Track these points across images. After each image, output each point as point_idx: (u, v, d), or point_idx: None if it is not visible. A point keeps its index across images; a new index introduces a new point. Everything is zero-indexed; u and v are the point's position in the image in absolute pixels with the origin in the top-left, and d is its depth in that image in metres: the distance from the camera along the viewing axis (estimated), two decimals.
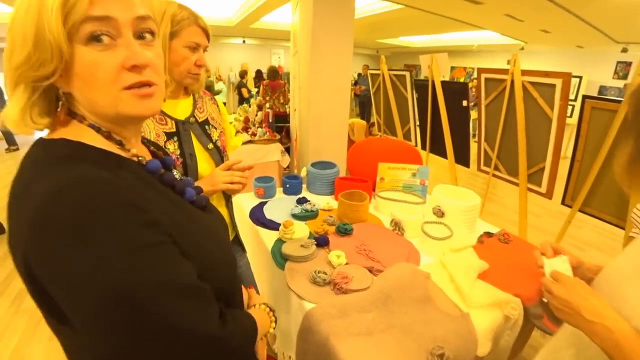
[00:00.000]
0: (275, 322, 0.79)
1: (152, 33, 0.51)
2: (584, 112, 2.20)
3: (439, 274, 1.22)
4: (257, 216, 1.67)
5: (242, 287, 0.80)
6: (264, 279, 1.57)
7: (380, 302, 1.04)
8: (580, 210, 2.33)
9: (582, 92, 7.25)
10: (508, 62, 2.34)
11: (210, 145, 1.16)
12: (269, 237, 1.48)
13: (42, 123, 0.49)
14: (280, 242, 1.40)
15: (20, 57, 0.44)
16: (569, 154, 2.40)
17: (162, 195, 0.55)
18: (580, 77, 7.37)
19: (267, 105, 4.04)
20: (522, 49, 8.00)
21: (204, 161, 1.14)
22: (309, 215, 1.64)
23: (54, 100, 0.50)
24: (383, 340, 0.93)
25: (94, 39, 0.45)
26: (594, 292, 0.65)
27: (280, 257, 1.29)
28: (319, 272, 1.15)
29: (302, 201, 1.78)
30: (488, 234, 1.55)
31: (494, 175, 2.82)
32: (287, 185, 1.96)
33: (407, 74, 3.26)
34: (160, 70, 0.53)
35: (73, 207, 0.40)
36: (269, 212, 1.70)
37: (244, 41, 10.23)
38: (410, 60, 11.47)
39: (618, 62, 7.16)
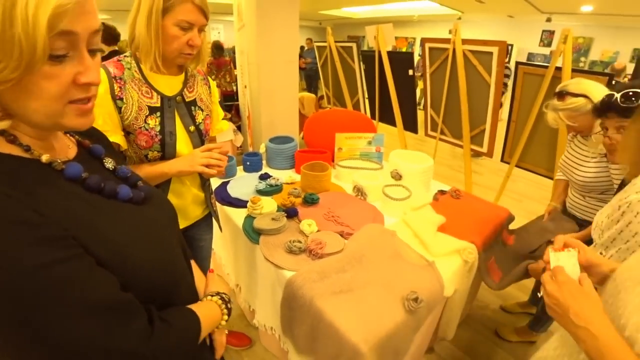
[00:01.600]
0: (229, 313, 0.73)
1: (99, 49, 0.49)
2: (517, 77, 2.41)
3: (403, 231, 1.33)
4: (222, 196, 1.65)
5: (200, 274, 0.80)
6: (237, 257, 1.58)
7: (356, 261, 1.12)
8: (516, 166, 2.59)
9: (513, 59, 7.85)
10: (450, 32, 2.46)
11: (192, 128, 1.11)
12: (238, 215, 1.49)
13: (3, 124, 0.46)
14: (250, 218, 1.41)
15: None
16: (505, 116, 2.64)
17: (75, 200, 0.50)
18: (512, 45, 7.96)
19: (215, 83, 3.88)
20: (460, 18, 8.39)
21: (182, 142, 1.08)
22: (274, 190, 1.66)
23: None
24: (363, 295, 1.01)
25: (58, 55, 0.43)
26: (587, 294, 0.61)
27: (253, 233, 1.31)
28: (293, 242, 1.19)
29: (264, 177, 1.79)
30: (441, 192, 1.69)
31: (440, 139, 3.02)
32: (248, 163, 1.95)
33: (354, 45, 3.30)
34: (99, 83, 0.51)
35: None
36: (234, 191, 1.69)
37: None
38: (354, 32, 11.48)
39: (543, 31, 7.80)
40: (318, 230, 1.29)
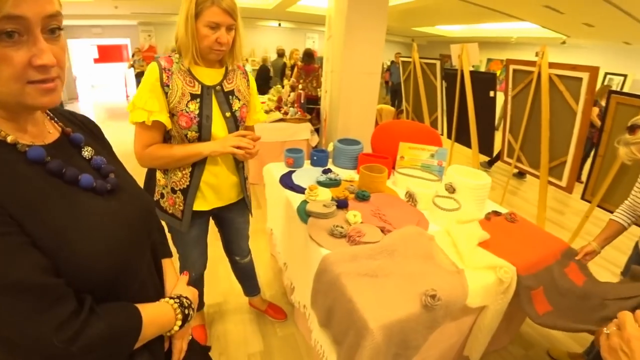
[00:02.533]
0: (185, 319, 0.70)
1: (60, 28, 0.52)
2: (609, 108, 2.23)
3: (443, 239, 1.38)
4: (286, 181, 1.86)
5: (173, 273, 0.81)
6: (289, 237, 1.77)
7: (387, 253, 1.21)
8: (599, 206, 2.37)
9: (626, 90, 6.92)
10: (536, 54, 2.37)
11: (228, 114, 1.26)
12: (295, 199, 1.68)
13: None
14: (305, 202, 1.58)
15: None
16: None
17: (27, 182, 0.52)
18: (625, 75, 7.03)
19: (300, 87, 4.21)
20: (564, 42, 7.62)
21: (219, 126, 1.25)
22: (332, 183, 1.81)
23: None
24: (385, 282, 1.11)
25: (5, 34, 0.45)
26: None
27: (304, 214, 1.48)
28: (337, 227, 1.33)
29: (327, 171, 1.96)
30: (496, 213, 1.68)
31: (515, 167, 2.88)
32: (315, 157, 2.14)
33: (438, 62, 3.32)
34: (63, 63, 0.54)
35: None
36: (297, 179, 1.89)
37: (279, 24, 10.37)
38: (447, 50, 11.18)
39: None
40: (362, 222, 1.41)
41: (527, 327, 2.00)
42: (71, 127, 0.67)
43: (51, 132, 0.62)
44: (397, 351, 1.05)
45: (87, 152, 0.65)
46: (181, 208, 1.33)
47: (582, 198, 2.59)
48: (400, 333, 1.00)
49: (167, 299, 0.71)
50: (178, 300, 0.71)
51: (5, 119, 0.53)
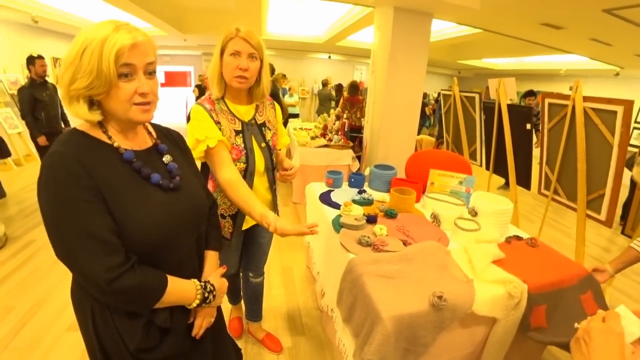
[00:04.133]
0: (203, 300, 0.88)
1: (153, 72, 0.80)
2: None
3: (459, 255, 1.52)
4: (325, 198, 2.12)
5: (213, 263, 1.01)
6: (323, 247, 2.00)
7: (405, 260, 1.40)
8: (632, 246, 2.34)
9: None
10: (570, 89, 2.46)
11: (263, 144, 1.41)
12: (332, 213, 1.91)
13: (97, 117, 0.78)
14: (339, 216, 1.82)
15: (84, 83, 0.72)
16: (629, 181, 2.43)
17: (118, 173, 0.78)
18: None
19: (345, 116, 4.52)
20: (617, 74, 7.31)
21: (259, 156, 1.40)
22: (365, 202, 2.03)
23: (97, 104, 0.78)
24: (400, 283, 1.29)
25: (123, 75, 0.74)
26: (622, 350, 0.58)
27: (338, 225, 1.71)
28: (364, 236, 1.54)
29: (362, 192, 2.19)
30: (517, 237, 1.78)
31: (553, 199, 2.90)
32: (352, 179, 2.38)
33: (477, 96, 3.47)
34: (156, 93, 0.82)
35: (44, 166, 0.72)
36: (335, 197, 2.13)
37: (329, 57, 11.00)
38: None
39: None
40: (387, 235, 1.61)
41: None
42: (162, 139, 0.95)
43: (147, 142, 0.90)
44: (407, 346, 1.21)
45: (166, 158, 0.91)
46: (230, 231, 1.49)
47: (622, 233, 2.56)
48: (409, 327, 1.17)
49: (195, 280, 0.90)
50: (203, 284, 0.90)
51: (117, 131, 0.82)
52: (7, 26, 5.80)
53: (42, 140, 3.85)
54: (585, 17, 3.69)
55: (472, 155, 3.92)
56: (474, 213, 1.82)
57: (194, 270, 0.95)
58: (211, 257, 1.03)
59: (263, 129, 1.43)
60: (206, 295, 0.89)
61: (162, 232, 0.81)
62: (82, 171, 0.72)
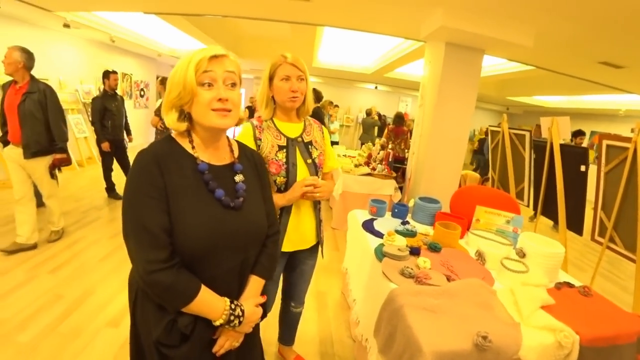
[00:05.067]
0: (227, 321, 0.89)
1: (234, 84, 0.88)
2: None
3: (505, 296, 1.49)
4: (368, 226, 2.16)
5: (254, 289, 1.00)
6: (361, 275, 2.02)
7: (448, 295, 1.39)
8: None
9: None
10: (632, 131, 2.37)
11: (309, 160, 1.47)
12: (374, 242, 1.95)
13: (182, 127, 0.90)
14: (382, 245, 1.85)
15: (174, 93, 0.85)
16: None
17: (189, 180, 0.87)
18: None
19: (390, 146, 4.58)
20: None
21: (303, 171, 1.45)
22: (408, 234, 2.05)
23: (186, 115, 0.90)
24: (442, 318, 1.28)
25: (206, 84, 0.85)
26: None
27: (380, 254, 1.74)
28: (407, 267, 1.56)
29: (405, 223, 2.20)
30: (568, 284, 1.71)
31: (608, 247, 2.73)
32: (396, 210, 2.41)
33: (527, 134, 3.40)
34: (236, 102, 0.89)
35: (134, 159, 0.85)
36: (378, 226, 2.17)
37: (376, 87, 11.22)
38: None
39: None
40: (430, 268, 1.62)
41: None
42: (242, 159, 1.02)
43: (226, 158, 0.98)
44: None
45: (238, 177, 0.96)
46: None
47: None
48: None
49: (227, 299, 0.90)
50: (233, 306, 0.90)
51: (201, 142, 0.92)
52: (87, 43, 6.61)
53: (105, 146, 4.29)
54: None
55: (519, 195, 3.79)
56: (522, 254, 1.78)
57: (230, 291, 0.94)
58: (254, 282, 1.01)
59: (309, 147, 1.51)
60: (232, 318, 0.89)
61: (205, 244, 0.85)
62: (156, 170, 0.82)
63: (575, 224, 3.03)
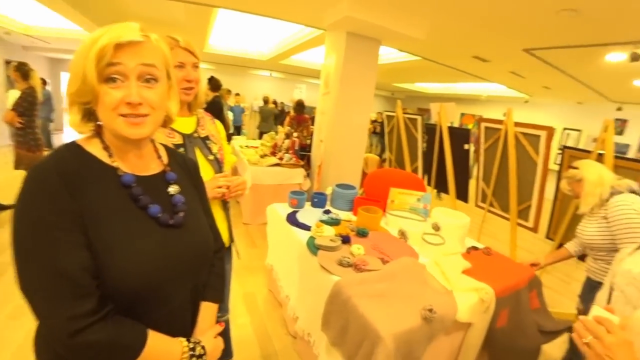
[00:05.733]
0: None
1: (152, 79, 0.67)
2: (564, 160, 2.67)
3: (432, 268, 1.63)
4: (292, 220, 2.11)
5: (208, 317, 0.82)
6: (293, 270, 1.98)
7: (389, 278, 1.46)
8: (561, 244, 2.71)
9: (581, 144, 7.79)
10: (504, 115, 2.81)
11: (211, 157, 1.31)
12: (302, 235, 1.92)
13: (88, 128, 0.69)
14: (312, 238, 1.83)
15: (73, 88, 0.63)
16: (550, 195, 2.83)
17: (110, 198, 0.66)
18: (580, 130, 7.94)
19: (295, 134, 4.57)
20: (527, 101, 8.71)
21: (206, 170, 1.26)
22: (333, 222, 2.07)
23: (93, 114, 0.68)
24: (390, 301, 1.34)
25: (111, 79, 0.63)
26: (634, 353, 0.67)
27: (313, 247, 1.72)
28: (345, 257, 1.57)
29: (327, 212, 2.23)
30: (474, 248, 1.97)
31: (488, 211, 3.24)
32: (315, 200, 2.41)
33: (419, 118, 3.77)
34: (155, 104, 0.68)
35: (24, 180, 0.60)
36: (302, 218, 2.14)
37: (270, 74, 11.08)
38: (424, 104, 12.23)
39: (616, 119, 7.65)
40: (364, 254, 1.66)
41: None
42: (174, 166, 0.82)
43: (154, 167, 0.77)
44: None
45: (172, 189, 0.77)
46: None
47: (547, 237, 2.95)
48: (406, 344, 1.22)
49: (182, 339, 0.73)
50: (192, 345, 0.73)
51: (118, 150, 0.70)
52: None
53: None
54: (508, 54, 4.35)
55: (414, 173, 4.22)
56: (437, 228, 1.96)
57: (185, 326, 0.78)
58: (208, 311, 0.84)
59: (207, 142, 1.34)
60: (195, 355, 0.72)
61: (147, 280, 0.65)
62: (63, 192, 0.60)
63: (463, 194, 3.51)
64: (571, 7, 2.59)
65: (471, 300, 1.46)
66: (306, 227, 2.01)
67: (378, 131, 9.11)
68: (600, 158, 2.30)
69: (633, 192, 1.64)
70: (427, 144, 3.86)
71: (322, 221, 2.06)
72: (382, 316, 1.24)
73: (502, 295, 1.57)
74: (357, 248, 1.67)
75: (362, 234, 1.89)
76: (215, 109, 4.45)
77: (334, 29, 3.51)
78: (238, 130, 8.15)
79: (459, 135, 3.32)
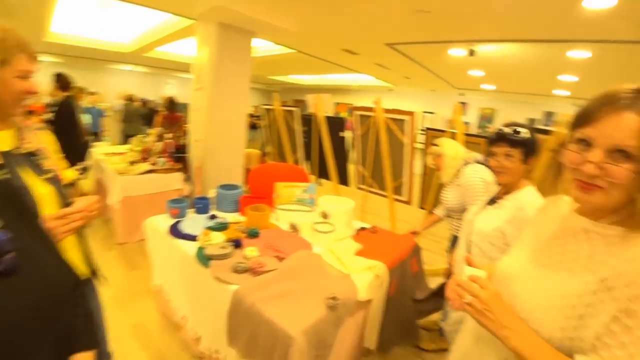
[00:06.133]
0: None
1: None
2: (427, 139, 3.04)
3: (327, 256, 1.67)
4: (176, 232, 1.90)
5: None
6: (186, 287, 1.78)
7: (289, 275, 1.42)
8: (431, 211, 3.11)
9: (437, 124, 9.55)
10: (374, 103, 3.04)
11: (48, 175, 1.04)
12: (189, 247, 1.73)
13: None
14: (201, 249, 1.67)
15: None
16: (418, 171, 3.22)
17: None
18: (434, 113, 9.73)
19: (169, 135, 4.15)
20: (391, 90, 10.03)
21: (44, 191, 0.99)
22: (222, 227, 1.93)
23: None
24: (294, 299, 1.31)
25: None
26: (505, 302, 0.73)
27: (204, 259, 1.57)
28: (239, 263, 1.47)
29: (213, 217, 2.07)
30: (362, 229, 2.09)
31: (369, 191, 3.51)
32: (199, 205, 2.22)
33: (297, 110, 3.83)
34: None
35: None
36: (186, 228, 1.94)
37: (132, 68, 9.84)
38: (300, 96, 12.60)
39: (458, 102, 9.45)
40: (259, 255, 1.59)
41: None
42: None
43: None
44: (316, 352, 1.24)
45: None
46: None
47: (420, 207, 3.35)
48: (315, 335, 1.21)
49: None
50: None
51: None
52: None
53: None
54: (373, 48, 4.81)
55: (296, 164, 4.30)
56: (325, 216, 2.02)
57: None
58: None
59: (36, 157, 1.04)
60: None
61: None
62: None
63: (344, 179, 3.72)
64: (424, 8, 2.94)
65: (367, 279, 1.54)
66: (192, 238, 1.82)
67: (260, 126, 9.03)
68: (453, 136, 2.69)
69: (479, 162, 1.96)
70: (306, 134, 3.97)
71: (208, 228, 1.90)
72: (289, 315, 1.21)
73: (392, 267, 1.71)
74: (251, 250, 1.59)
75: (253, 234, 1.81)
76: (65, 113, 3.69)
77: (205, 19, 3.26)
78: (97, 137, 7.01)
79: (335, 124, 3.49)
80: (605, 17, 2.62)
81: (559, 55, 3.98)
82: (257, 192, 2.44)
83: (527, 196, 1.31)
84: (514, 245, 0.89)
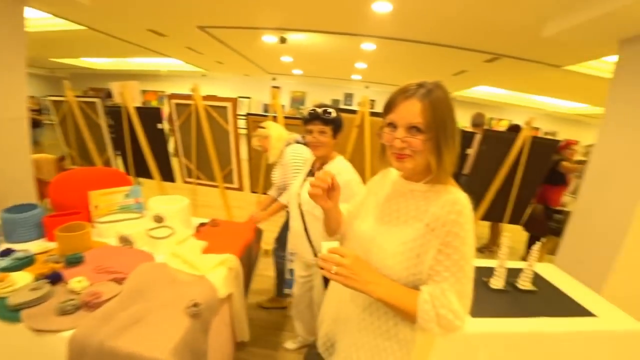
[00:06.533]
0: None
1: None
2: (249, 124, 3.14)
3: (173, 261, 1.57)
4: None
5: None
6: None
7: (137, 295, 1.28)
8: (263, 193, 3.28)
9: (253, 109, 9.99)
10: (191, 90, 2.89)
11: None
12: None
13: None
14: (1, 300, 1.29)
15: None
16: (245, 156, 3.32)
17: None
18: (250, 98, 10.15)
19: None
20: (204, 75, 9.76)
21: None
22: (24, 263, 1.53)
23: None
24: (151, 320, 1.19)
25: None
26: (364, 262, 0.87)
27: (9, 313, 1.22)
28: (66, 302, 1.22)
29: (7, 253, 1.61)
30: (202, 224, 2.06)
31: (198, 184, 3.39)
32: None
33: (98, 100, 3.25)
34: None
35: None
36: None
37: None
38: (97, 83, 10.46)
39: (272, 87, 10.00)
40: (90, 284, 1.36)
41: None
42: None
43: None
44: None
45: None
46: None
47: (252, 191, 3.48)
48: (187, 348, 1.15)
49: None
50: None
51: None
52: None
53: None
54: (184, 30, 4.52)
55: (107, 165, 3.70)
56: (159, 219, 1.87)
57: None
58: None
59: None
60: None
61: None
62: None
63: (168, 175, 3.47)
64: None
65: (222, 274, 1.54)
66: None
67: (43, 123, 7.16)
68: (274, 119, 2.88)
69: (298, 142, 2.20)
70: (114, 129, 3.45)
71: (4, 270, 1.48)
72: (151, 340, 1.10)
73: (241, 256, 1.77)
74: (77, 282, 1.34)
75: (74, 261, 1.52)
76: None
77: None
78: None
79: (150, 115, 3.17)
80: (386, 19, 3.37)
81: (354, 46, 4.80)
82: (64, 208, 2.01)
83: (340, 164, 1.65)
84: (361, 212, 1.07)
